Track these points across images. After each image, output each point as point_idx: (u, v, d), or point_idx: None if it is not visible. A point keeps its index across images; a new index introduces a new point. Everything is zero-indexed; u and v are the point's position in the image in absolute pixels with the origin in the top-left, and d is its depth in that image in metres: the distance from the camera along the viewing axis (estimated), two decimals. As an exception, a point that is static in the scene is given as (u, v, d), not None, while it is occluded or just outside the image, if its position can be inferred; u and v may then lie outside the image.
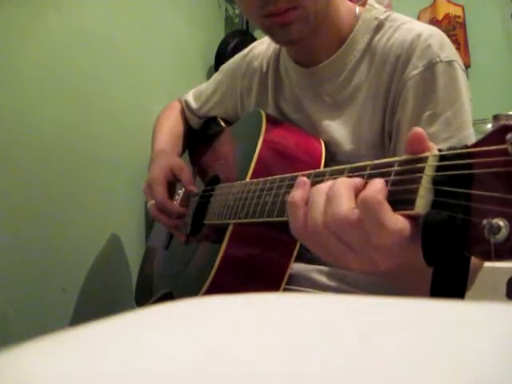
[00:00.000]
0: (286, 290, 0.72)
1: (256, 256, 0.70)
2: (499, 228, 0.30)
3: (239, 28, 1.82)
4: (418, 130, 0.38)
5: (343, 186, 0.40)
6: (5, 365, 0.18)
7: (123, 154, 1.22)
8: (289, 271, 0.70)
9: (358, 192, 0.40)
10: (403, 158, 0.39)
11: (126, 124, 1.23)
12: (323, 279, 0.75)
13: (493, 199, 0.31)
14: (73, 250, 1.05)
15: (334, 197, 0.40)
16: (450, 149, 0.36)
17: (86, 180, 1.10)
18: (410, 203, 0.36)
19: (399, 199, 0.37)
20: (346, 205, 0.39)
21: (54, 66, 1.02)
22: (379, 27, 0.77)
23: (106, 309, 1.11)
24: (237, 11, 1.86)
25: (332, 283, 0.75)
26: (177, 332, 0.19)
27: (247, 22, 1.82)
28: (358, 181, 0.41)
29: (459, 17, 1.67)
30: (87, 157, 1.10)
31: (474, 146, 0.34)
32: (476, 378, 0.14)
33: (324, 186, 0.42)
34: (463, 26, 1.66)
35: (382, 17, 0.77)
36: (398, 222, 0.36)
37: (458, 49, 1.62)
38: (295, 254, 0.69)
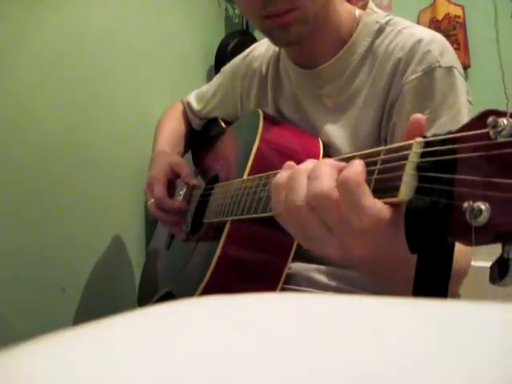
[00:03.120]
0: (285, 289, 0.72)
1: (253, 254, 0.70)
2: (480, 211, 0.30)
3: (239, 28, 1.82)
4: (419, 115, 0.39)
5: (326, 165, 0.41)
6: (4, 365, 0.18)
7: (123, 153, 1.22)
8: (286, 270, 0.70)
9: (340, 172, 0.40)
10: (389, 146, 0.39)
11: (126, 124, 1.24)
12: (323, 279, 0.75)
13: (475, 183, 0.31)
14: (73, 249, 1.05)
15: (316, 175, 0.40)
16: (434, 135, 0.36)
17: (86, 180, 1.10)
18: (395, 190, 0.36)
19: (384, 187, 0.38)
20: (327, 183, 0.39)
21: (53, 65, 1.02)
22: (380, 31, 0.77)
23: (106, 309, 1.11)
24: (237, 11, 1.86)
25: (331, 282, 0.75)
26: (176, 333, 0.19)
27: (247, 22, 1.82)
28: (341, 163, 0.41)
29: (459, 17, 1.67)
30: (87, 156, 1.10)
31: (458, 131, 0.34)
32: (475, 378, 0.14)
33: (307, 165, 0.43)
34: (463, 26, 1.66)
35: (383, 21, 0.77)
36: (375, 204, 0.37)
37: (458, 49, 1.62)
38: (293, 252, 0.69)
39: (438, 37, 0.72)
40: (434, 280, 0.36)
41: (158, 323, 0.21)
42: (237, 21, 1.87)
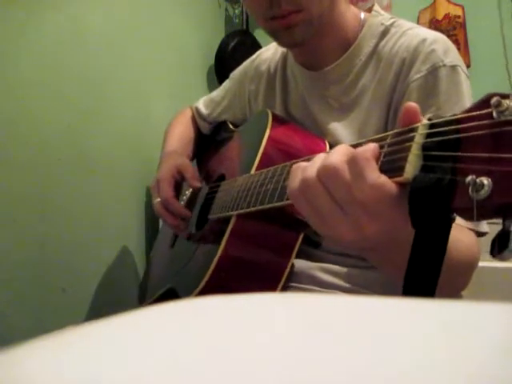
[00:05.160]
0: (288, 287, 0.72)
1: (257, 251, 0.71)
2: (482, 185, 0.31)
3: (239, 28, 1.83)
4: (412, 103, 0.40)
5: (342, 146, 0.43)
6: (4, 365, 0.18)
7: (123, 153, 1.22)
8: (289, 267, 0.70)
9: None
10: (396, 130, 0.41)
11: (126, 124, 1.24)
12: (325, 277, 0.75)
13: (478, 159, 0.33)
14: (73, 249, 1.05)
15: (330, 153, 0.42)
16: (439, 117, 0.38)
17: (86, 180, 1.10)
18: (400, 170, 0.38)
19: (391, 167, 0.39)
20: (336, 156, 0.41)
21: (53, 66, 1.02)
22: (385, 33, 0.78)
23: (107, 309, 1.11)
24: (237, 11, 1.86)
25: (334, 281, 0.75)
26: (176, 333, 0.19)
27: (247, 22, 1.82)
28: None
29: (459, 17, 1.67)
30: (87, 157, 1.10)
31: (463, 113, 0.36)
32: (475, 378, 0.14)
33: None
34: (463, 26, 1.67)
35: (388, 23, 0.79)
36: (379, 177, 0.39)
37: (457, 49, 1.62)
38: (296, 250, 0.69)
39: (442, 37, 0.74)
40: (429, 256, 0.37)
41: (159, 323, 0.21)
42: (237, 21, 1.87)
